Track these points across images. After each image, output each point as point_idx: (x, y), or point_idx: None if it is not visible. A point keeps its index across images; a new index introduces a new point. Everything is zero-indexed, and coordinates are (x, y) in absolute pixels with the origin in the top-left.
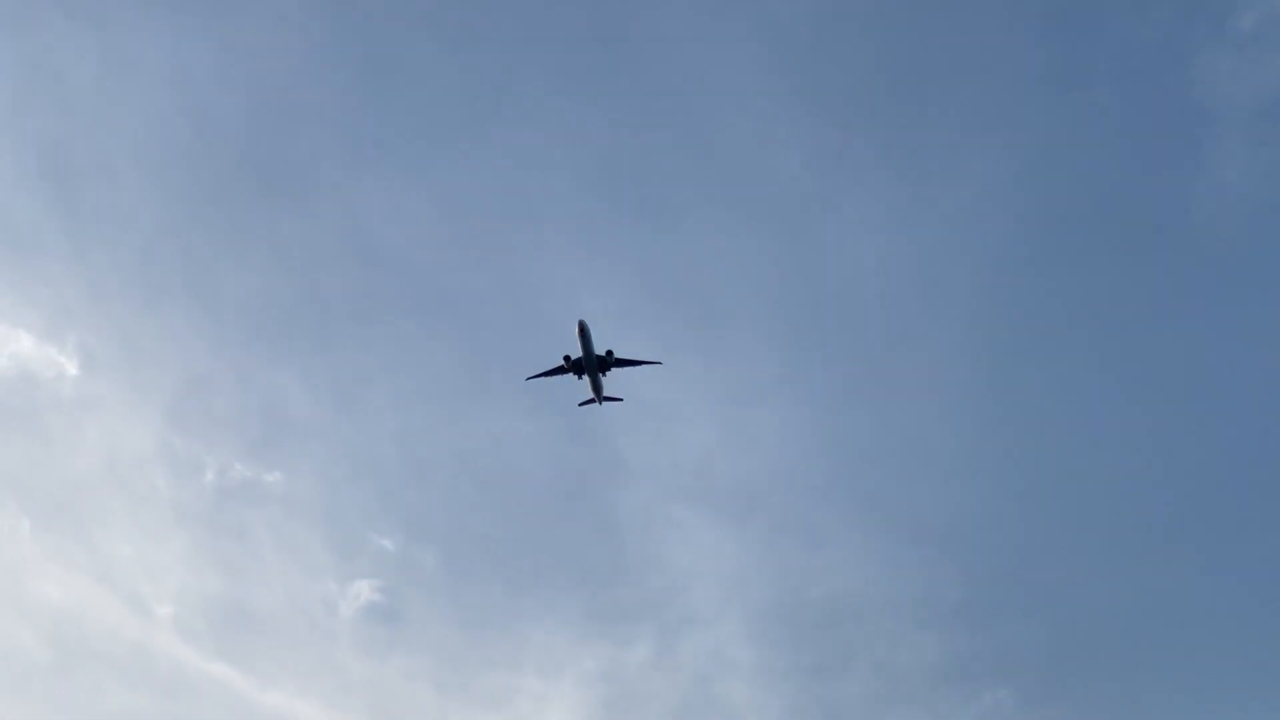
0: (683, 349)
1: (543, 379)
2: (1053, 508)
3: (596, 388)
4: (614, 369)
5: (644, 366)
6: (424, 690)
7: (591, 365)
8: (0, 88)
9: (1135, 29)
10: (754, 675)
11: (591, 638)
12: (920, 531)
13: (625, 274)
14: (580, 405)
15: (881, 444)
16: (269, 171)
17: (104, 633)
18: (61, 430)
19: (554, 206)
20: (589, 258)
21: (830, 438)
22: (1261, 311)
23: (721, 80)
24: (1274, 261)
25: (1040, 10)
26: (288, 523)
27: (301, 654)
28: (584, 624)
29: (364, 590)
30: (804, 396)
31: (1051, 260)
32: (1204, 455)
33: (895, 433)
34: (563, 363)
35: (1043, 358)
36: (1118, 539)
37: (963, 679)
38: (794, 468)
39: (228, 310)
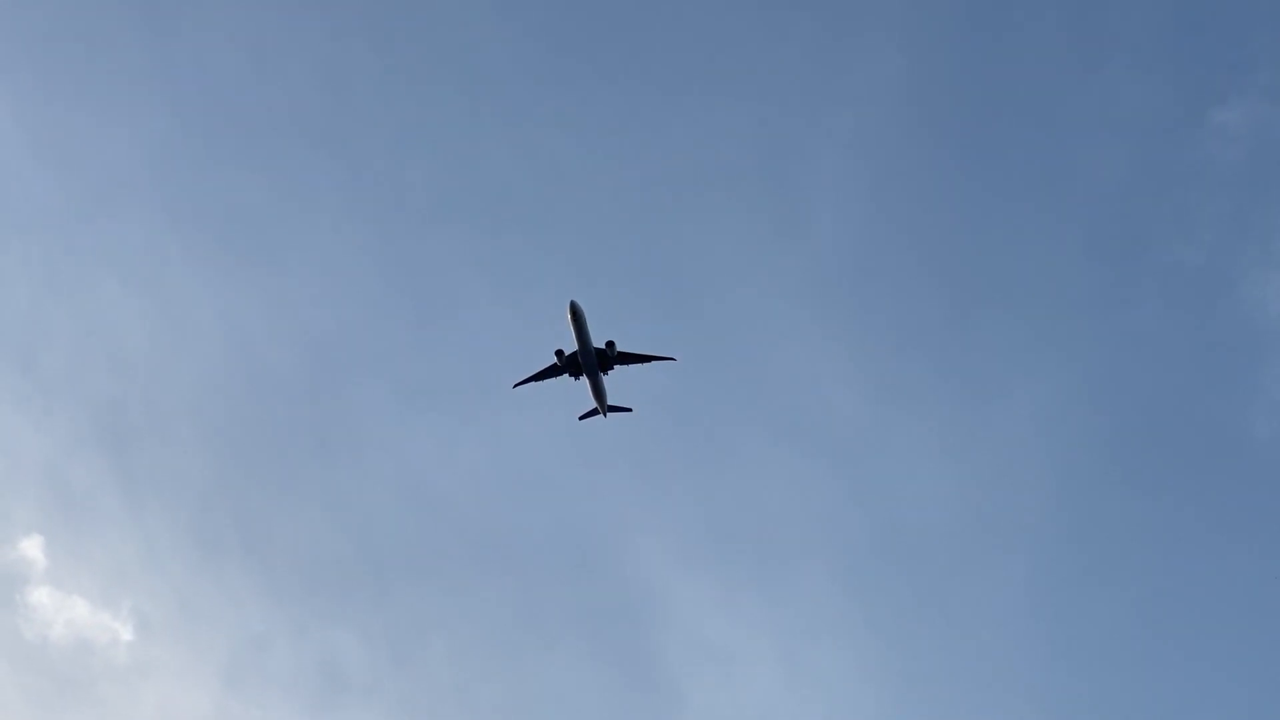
0: (744, 587)
1: (532, 384)
2: None
3: (598, 392)
4: (619, 366)
5: (655, 363)
6: None
7: (590, 361)
8: (56, 354)
9: (1180, 250)
10: None
11: None
12: None
13: (682, 514)
14: (580, 419)
15: (952, 677)
16: (321, 422)
17: None
18: (116, 699)
19: (607, 448)
20: (645, 499)
21: (898, 673)
22: None
23: (770, 314)
24: None
25: (1083, 233)
26: None
27: None
28: None
29: None
30: (869, 631)
31: (1111, 483)
32: (1273, 674)
33: (965, 665)
34: (555, 360)
35: (1107, 582)
36: None
37: None
38: (862, 707)
39: (283, 566)
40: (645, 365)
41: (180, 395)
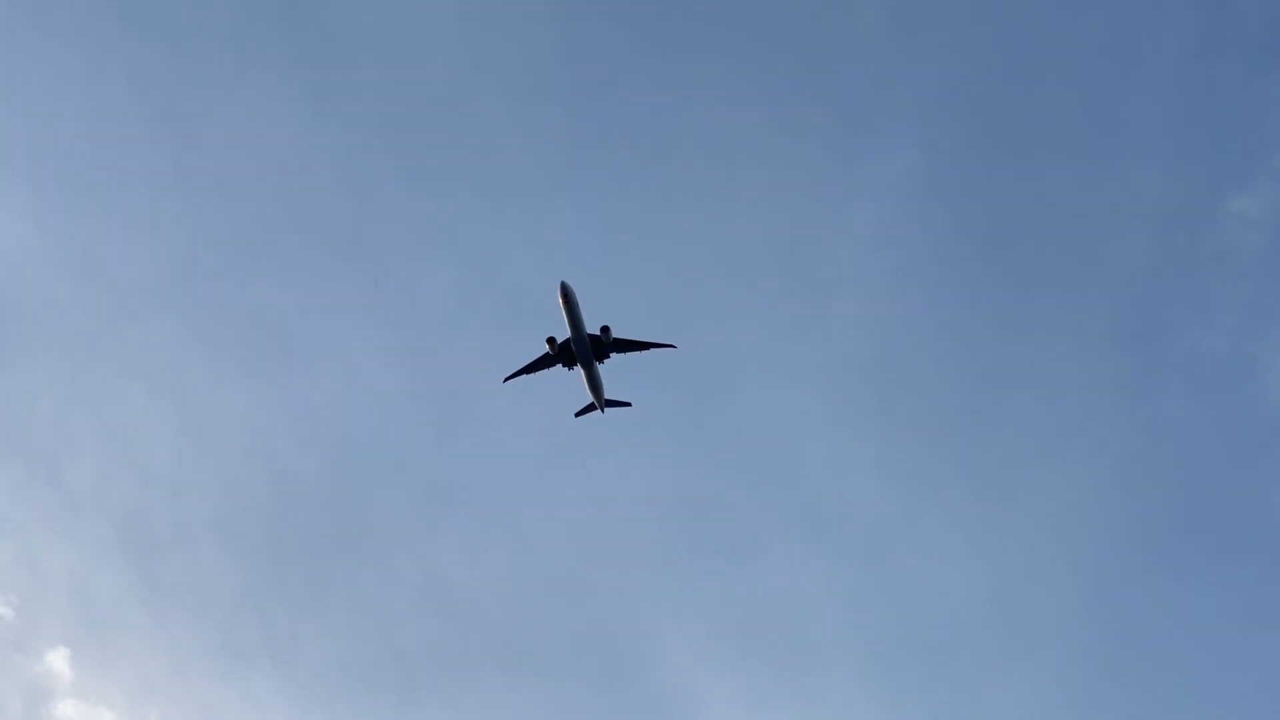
0: (773, 685)
1: (523, 377)
2: None
3: (594, 383)
4: (615, 354)
5: (654, 350)
6: None
7: (583, 349)
8: (82, 465)
9: (1202, 337)
10: None
11: None
12: None
13: (708, 613)
14: (577, 415)
15: None
16: (346, 528)
17: None
18: None
19: (632, 546)
20: (672, 596)
21: None
22: None
23: (792, 405)
24: None
25: (1105, 323)
26: None
27: None
28: None
29: None
30: None
31: (1140, 573)
32: None
33: None
34: (546, 349)
35: (1138, 675)
36: None
37: None
38: None
39: (309, 674)
40: (644, 353)
41: (206, 504)
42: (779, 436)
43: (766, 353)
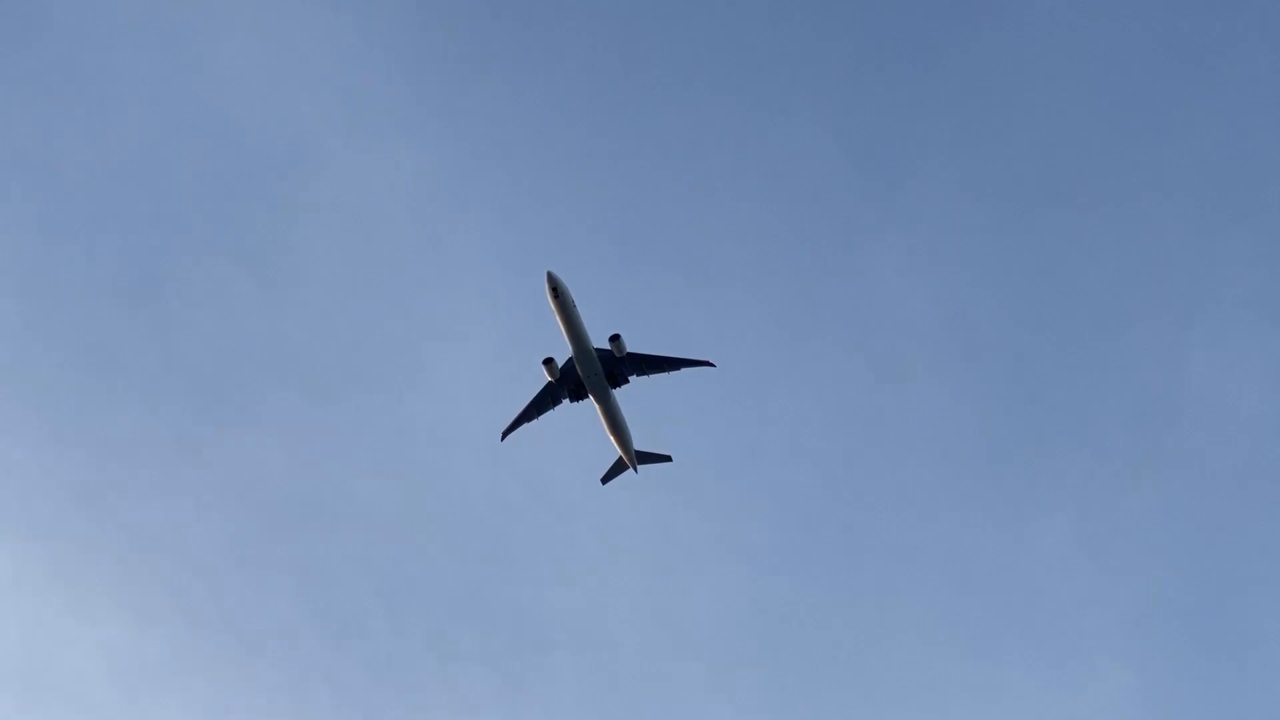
0: None
1: (523, 426)
2: None
3: (615, 424)
4: (635, 377)
5: (685, 370)
6: None
7: (592, 371)
8: None
9: None
10: None
11: None
12: None
13: None
14: (604, 481)
15: None
16: None
17: None
18: None
19: None
20: None
21: None
22: None
23: None
24: None
25: None
26: None
27: None
28: None
29: None
30: None
31: None
32: None
33: None
34: (546, 377)
35: None
36: None
37: None
38: None
39: None
40: (673, 374)
41: None
42: None
43: None
